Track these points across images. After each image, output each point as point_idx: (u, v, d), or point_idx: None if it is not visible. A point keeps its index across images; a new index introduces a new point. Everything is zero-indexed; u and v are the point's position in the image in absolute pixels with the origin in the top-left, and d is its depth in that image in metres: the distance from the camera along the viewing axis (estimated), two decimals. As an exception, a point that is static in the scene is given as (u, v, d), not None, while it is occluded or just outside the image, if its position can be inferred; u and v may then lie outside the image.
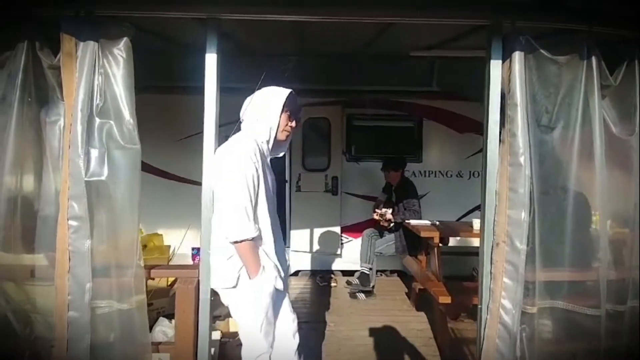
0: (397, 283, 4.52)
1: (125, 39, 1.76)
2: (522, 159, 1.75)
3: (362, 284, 3.84)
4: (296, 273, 4.72)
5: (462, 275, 3.89)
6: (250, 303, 1.75)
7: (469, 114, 4.75)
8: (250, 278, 1.72)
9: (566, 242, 1.79)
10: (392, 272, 4.75)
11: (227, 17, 1.83)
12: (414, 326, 3.33)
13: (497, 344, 1.79)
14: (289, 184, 4.79)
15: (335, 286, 4.33)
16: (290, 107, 1.80)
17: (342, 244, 4.68)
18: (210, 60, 1.83)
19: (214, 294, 1.88)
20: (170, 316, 2.52)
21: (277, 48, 3.83)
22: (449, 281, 3.06)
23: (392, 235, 3.88)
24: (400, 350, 2.91)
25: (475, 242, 3.83)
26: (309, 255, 4.70)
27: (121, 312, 1.76)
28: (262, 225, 1.76)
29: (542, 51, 1.76)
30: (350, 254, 4.65)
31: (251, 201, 1.68)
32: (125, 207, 1.77)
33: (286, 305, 1.93)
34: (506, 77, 1.81)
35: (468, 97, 4.69)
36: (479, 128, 5.00)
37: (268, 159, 1.86)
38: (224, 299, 1.83)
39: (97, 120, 1.75)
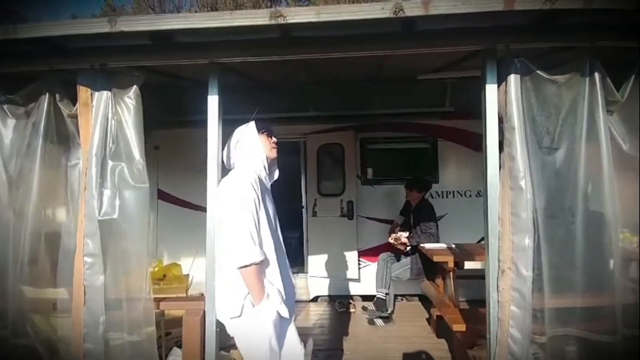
0: (417, 308, 4.39)
1: (134, 87, 1.91)
2: (522, 183, 1.71)
3: (379, 309, 3.76)
4: (315, 299, 4.69)
5: (483, 299, 3.76)
6: (254, 332, 1.76)
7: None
8: (254, 305, 1.74)
9: (579, 266, 1.72)
10: (412, 296, 4.63)
11: (226, 61, 1.95)
12: (434, 354, 3.20)
13: (509, 376, 1.71)
14: (305, 210, 4.84)
15: (354, 312, 4.26)
16: (263, 129, 1.93)
17: (359, 268, 4.63)
18: (213, 101, 1.94)
19: (221, 325, 1.91)
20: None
21: (287, 79, 3.98)
22: (468, 306, 2.96)
23: (409, 259, 3.81)
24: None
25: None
26: (327, 280, 4.66)
27: (132, 344, 1.83)
28: (266, 250, 1.80)
29: (539, 72, 1.75)
30: (369, 278, 4.56)
31: (255, 226, 1.73)
32: (135, 243, 1.87)
33: (292, 333, 1.93)
34: (502, 100, 1.81)
35: (482, 114, 4.65)
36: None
37: (269, 185, 1.95)
38: (230, 329, 1.86)
39: (110, 163, 1.88)
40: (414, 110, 4.70)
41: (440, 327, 3.47)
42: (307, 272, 4.75)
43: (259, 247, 1.72)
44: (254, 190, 1.76)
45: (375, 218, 4.72)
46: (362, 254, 4.63)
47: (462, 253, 3.07)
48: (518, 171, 1.73)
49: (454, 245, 3.35)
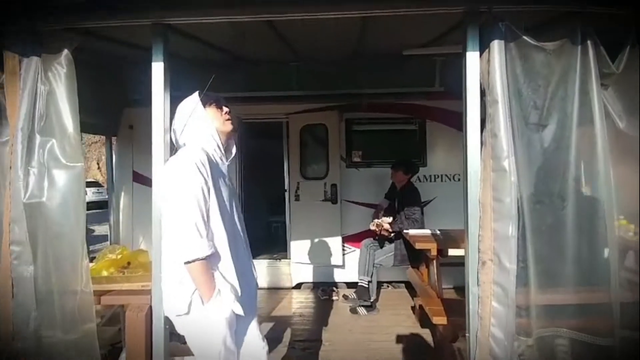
0: (403, 295, 4.25)
1: (65, 51, 1.66)
2: (506, 164, 1.50)
3: (361, 298, 3.61)
4: (298, 286, 4.55)
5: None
6: (205, 331, 1.58)
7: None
8: (203, 303, 1.55)
9: (569, 258, 1.53)
10: (398, 283, 4.49)
11: (174, 22, 1.70)
12: (417, 346, 3.06)
13: (488, 379, 1.54)
14: (287, 194, 4.64)
15: (337, 300, 4.12)
16: (211, 100, 1.68)
17: (344, 254, 4.46)
18: (157, 69, 1.70)
19: (169, 321, 1.72)
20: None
21: (270, 56, 3.71)
22: (455, 293, 2.80)
23: (392, 245, 3.63)
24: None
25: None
26: (311, 267, 4.51)
27: (68, 343, 1.64)
28: (218, 242, 1.59)
29: (525, 38, 1.52)
30: (353, 265, 4.41)
31: (202, 216, 1.51)
32: (69, 230, 1.65)
33: (253, 330, 1.75)
34: (485, 70, 1.58)
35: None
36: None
37: (224, 167, 1.72)
38: (178, 327, 1.67)
39: (39, 138, 1.65)
40: (402, 90, 4.47)
41: (424, 317, 3.32)
42: (289, 258, 4.58)
43: (206, 239, 1.50)
44: (200, 173, 1.52)
45: (361, 202, 4.53)
46: (346, 239, 4.46)
47: (446, 240, 2.89)
48: (501, 150, 1.51)
49: (438, 232, 3.17)
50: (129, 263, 2.94)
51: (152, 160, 1.77)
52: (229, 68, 3.87)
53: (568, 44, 1.51)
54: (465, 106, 1.64)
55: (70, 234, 1.65)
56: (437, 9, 1.67)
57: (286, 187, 4.67)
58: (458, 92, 4.64)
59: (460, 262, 3.36)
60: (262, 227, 5.86)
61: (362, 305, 3.67)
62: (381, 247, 3.69)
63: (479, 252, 1.59)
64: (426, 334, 3.25)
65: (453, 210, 4.24)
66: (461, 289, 3.35)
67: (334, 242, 4.41)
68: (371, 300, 3.64)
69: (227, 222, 1.63)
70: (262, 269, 4.52)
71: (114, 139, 4.54)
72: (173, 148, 1.75)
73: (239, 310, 1.61)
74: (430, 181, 4.48)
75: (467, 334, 1.64)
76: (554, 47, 1.51)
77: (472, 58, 1.60)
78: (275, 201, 6.09)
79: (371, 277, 3.62)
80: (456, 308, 2.48)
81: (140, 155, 4.52)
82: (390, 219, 3.56)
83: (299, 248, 4.48)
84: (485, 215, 1.57)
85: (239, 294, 1.63)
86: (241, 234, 1.76)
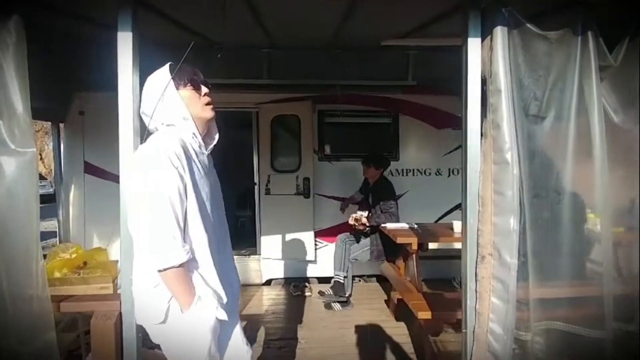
0: (375, 289, 4.23)
1: (15, 17, 1.39)
2: (508, 156, 1.46)
3: (337, 293, 3.53)
4: (269, 282, 4.39)
5: (441, 278, 3.66)
6: (186, 341, 1.39)
7: (446, 109, 4.52)
8: (182, 311, 1.37)
9: (564, 252, 1.52)
10: (370, 277, 4.48)
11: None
12: (394, 339, 3.04)
13: (486, 376, 1.50)
14: (257, 187, 4.45)
15: (309, 295, 4.02)
16: (184, 79, 1.39)
17: (316, 249, 4.36)
18: (124, 40, 1.47)
19: (142, 329, 1.53)
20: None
21: (242, 39, 3.48)
22: (429, 289, 2.80)
23: (368, 240, 3.58)
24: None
25: (456, 245, 3.62)
26: (282, 262, 4.36)
27: (24, 356, 1.39)
28: (197, 244, 1.40)
29: (529, 26, 1.47)
30: (326, 260, 4.33)
31: (177, 219, 1.29)
32: (20, 226, 1.40)
33: (237, 334, 1.58)
34: (487, 58, 1.52)
35: (445, 90, 4.47)
36: (458, 123, 4.78)
37: (204, 156, 1.48)
38: (154, 337, 1.47)
39: (-20, 120, 1.37)
40: (376, 82, 4.41)
41: (399, 310, 3.31)
42: (259, 254, 4.40)
43: (181, 245, 1.29)
44: (175, 168, 1.29)
45: (333, 196, 4.45)
46: (318, 234, 4.36)
47: (425, 234, 2.88)
48: (504, 142, 1.47)
49: (415, 226, 3.16)
50: (85, 263, 2.64)
51: (119, 148, 1.54)
52: (195, 52, 3.61)
53: (569, 34, 1.49)
54: (465, 96, 1.57)
55: (22, 231, 1.39)
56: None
57: (256, 180, 4.48)
58: (430, 87, 4.67)
59: (432, 256, 3.44)
60: (229, 222, 5.60)
61: (337, 301, 3.60)
62: (357, 242, 3.63)
63: (477, 246, 1.55)
64: (401, 327, 3.24)
65: (424, 204, 4.38)
66: (432, 281, 3.40)
67: (307, 237, 4.29)
68: (347, 296, 3.58)
69: (208, 221, 1.43)
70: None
71: (61, 126, 4.10)
72: (145, 132, 1.52)
73: (223, 316, 1.44)
74: (403, 175, 4.49)
75: (464, 330, 1.59)
76: (557, 36, 1.48)
77: (474, 45, 1.53)
78: (243, 195, 5.86)
79: (347, 272, 3.56)
80: (437, 302, 2.47)
81: (92, 144, 4.12)
82: (366, 213, 3.51)
83: (269, 243, 4.32)
84: (485, 209, 1.52)
85: (223, 299, 1.46)
86: (225, 232, 1.59)
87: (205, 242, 1.42)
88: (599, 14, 1.47)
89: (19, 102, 1.42)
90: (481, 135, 1.55)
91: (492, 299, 1.50)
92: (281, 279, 4.40)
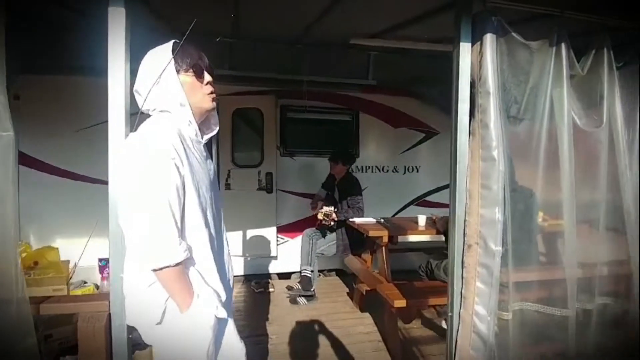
0: (336, 283, 4.33)
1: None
2: (495, 153, 1.60)
3: (304, 288, 3.56)
4: (227, 280, 4.26)
5: (403, 269, 3.85)
6: (184, 343, 1.31)
7: (403, 109, 4.75)
8: (181, 311, 1.29)
9: (534, 241, 1.71)
10: (330, 271, 4.56)
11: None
12: (361, 329, 3.15)
13: (471, 355, 1.63)
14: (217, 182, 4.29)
15: (272, 291, 3.98)
16: (187, 62, 1.28)
17: (277, 245, 4.33)
18: (116, 16, 1.34)
19: (132, 329, 1.42)
20: (76, 349, 1.94)
21: (207, 26, 3.31)
22: (396, 280, 2.93)
23: (334, 234, 3.65)
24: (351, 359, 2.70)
25: (422, 237, 3.83)
26: (242, 259, 4.27)
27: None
28: (196, 239, 1.31)
29: (514, 35, 1.62)
30: (287, 256, 4.34)
31: (173, 215, 1.20)
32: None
33: (231, 332, 1.52)
34: (476, 62, 1.65)
35: (402, 92, 4.70)
36: (413, 123, 5.03)
37: (200, 145, 1.38)
38: (146, 337, 1.37)
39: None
40: (338, 80, 4.50)
41: (364, 301, 3.43)
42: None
43: (178, 241, 1.20)
44: (172, 159, 1.19)
45: (295, 192, 4.45)
46: (280, 229, 4.34)
47: (394, 227, 3.01)
48: (491, 140, 1.60)
49: (382, 220, 3.29)
50: (35, 263, 2.38)
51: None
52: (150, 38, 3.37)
53: (546, 44, 1.67)
54: (455, 97, 1.68)
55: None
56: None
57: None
58: (388, 87, 4.85)
59: (396, 249, 3.60)
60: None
61: (303, 295, 3.62)
62: (323, 237, 3.68)
63: (464, 236, 1.67)
64: (367, 317, 3.37)
65: (382, 200, 4.56)
66: (395, 273, 3.57)
67: (269, 233, 4.25)
68: (313, 290, 3.61)
69: (206, 214, 1.36)
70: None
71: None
72: (137, 120, 1.40)
73: (223, 314, 1.38)
74: (362, 172, 4.63)
75: (449, 314, 1.71)
76: (537, 46, 1.65)
77: (465, 49, 1.65)
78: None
79: (313, 266, 3.59)
80: (408, 290, 2.61)
81: (28, 133, 3.65)
82: (332, 208, 3.57)
83: (229, 240, 4.18)
84: (472, 201, 1.65)
85: (222, 296, 1.40)
86: (220, 224, 1.52)
87: (206, 238, 1.35)
88: (571, 27, 1.67)
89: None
90: (469, 133, 1.67)
91: (477, 283, 1.63)
92: (241, 276, 4.30)
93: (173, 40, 1.27)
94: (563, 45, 1.66)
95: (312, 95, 4.41)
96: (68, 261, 3.14)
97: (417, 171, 4.83)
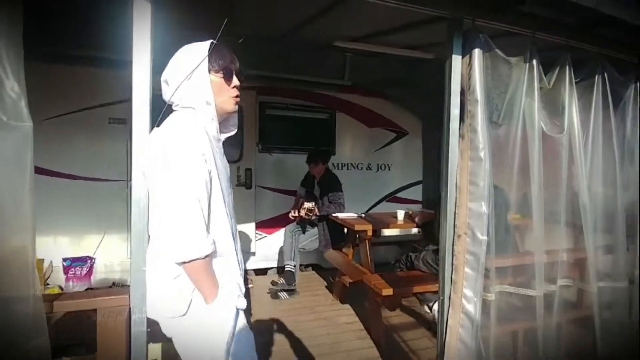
0: (314, 277, 4.47)
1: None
2: (482, 154, 1.82)
3: (288, 282, 3.66)
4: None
5: (377, 262, 4.07)
6: (206, 334, 1.37)
7: (377, 110, 4.98)
8: (207, 302, 1.36)
9: (510, 232, 1.96)
10: (307, 266, 4.69)
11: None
12: (344, 320, 3.31)
13: (460, 333, 1.84)
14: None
15: (252, 287, 4.04)
16: (220, 63, 1.34)
17: (256, 241, 4.39)
18: (142, 11, 1.37)
19: (152, 323, 1.46)
20: (65, 350, 1.89)
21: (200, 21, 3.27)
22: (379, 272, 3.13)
23: (315, 229, 3.79)
24: (338, 348, 2.85)
25: (389, 231, 4.06)
26: (220, 256, 4.27)
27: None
28: (220, 232, 1.39)
29: (497, 51, 1.85)
30: (265, 252, 4.41)
31: (202, 209, 1.27)
32: (13, 212, 1.21)
33: (242, 319, 1.61)
34: (466, 73, 1.85)
35: (376, 93, 4.92)
36: (386, 123, 5.26)
37: (220, 142, 1.46)
38: (167, 329, 1.42)
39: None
40: (317, 79, 4.62)
41: (344, 294, 3.60)
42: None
43: (205, 234, 1.27)
44: (204, 158, 1.27)
45: (274, 188, 4.52)
46: (259, 225, 4.40)
47: (376, 222, 3.20)
48: (479, 142, 1.82)
49: (363, 215, 3.47)
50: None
51: (132, 129, 1.43)
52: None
53: (522, 60, 1.91)
54: (447, 103, 1.88)
55: (15, 218, 1.20)
56: (428, 9, 1.84)
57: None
58: (363, 87, 5.02)
59: (374, 242, 3.80)
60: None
61: (284, 290, 3.72)
62: (304, 232, 3.80)
63: (454, 227, 1.88)
64: (347, 308, 3.54)
65: (357, 196, 4.77)
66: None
67: (247, 229, 4.29)
68: (294, 284, 3.73)
69: (227, 208, 1.45)
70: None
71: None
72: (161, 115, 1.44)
73: (243, 305, 1.47)
74: (338, 169, 4.80)
75: (440, 297, 1.91)
76: (515, 61, 1.89)
77: (456, 61, 1.85)
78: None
79: (296, 261, 3.70)
80: (392, 280, 2.81)
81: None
82: (312, 204, 3.70)
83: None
84: (461, 196, 1.86)
85: (242, 287, 1.49)
86: (234, 216, 1.60)
87: (228, 231, 1.43)
88: (541, 46, 1.92)
89: (8, 69, 1.22)
90: (459, 136, 1.87)
91: (465, 269, 1.85)
92: (219, 272, 4.31)
93: (210, 41, 1.33)
94: (535, 62, 1.92)
95: (291, 93, 4.51)
96: (42, 260, 3.02)
97: (389, 169, 5.09)
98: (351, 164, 4.91)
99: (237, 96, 1.43)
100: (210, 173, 1.32)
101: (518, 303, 1.97)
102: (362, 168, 4.96)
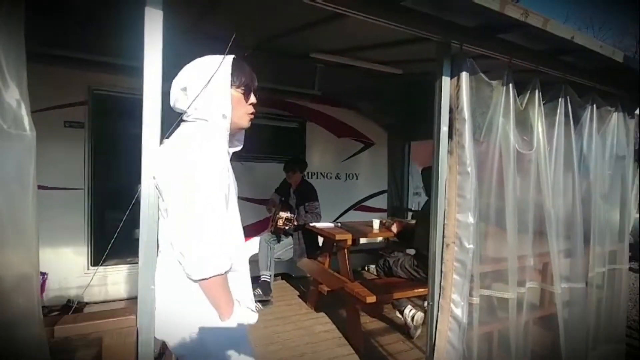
0: (285, 287, 4.45)
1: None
2: (469, 169, 1.97)
3: (264, 293, 3.61)
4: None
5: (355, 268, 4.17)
6: (219, 351, 1.35)
7: (346, 120, 5.12)
8: (222, 319, 1.33)
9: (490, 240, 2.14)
10: (276, 276, 4.65)
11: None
12: (321, 328, 3.35)
13: (449, 336, 1.97)
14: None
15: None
16: (241, 79, 1.36)
17: (226, 251, 4.28)
18: (153, 19, 1.33)
19: (158, 344, 1.40)
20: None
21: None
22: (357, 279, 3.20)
23: (290, 239, 3.79)
24: (319, 357, 2.87)
25: (364, 240, 4.17)
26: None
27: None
28: (234, 245, 1.39)
29: (481, 75, 2.02)
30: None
31: (220, 224, 1.27)
32: (14, 227, 1.11)
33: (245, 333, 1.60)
34: (454, 93, 2.00)
35: (345, 104, 5.06)
36: (354, 134, 5.40)
37: (229, 156, 1.44)
38: (178, 349, 1.37)
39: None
40: (287, 88, 4.65)
41: (319, 302, 3.63)
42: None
43: (224, 249, 1.26)
44: (222, 170, 1.27)
45: (244, 197, 4.44)
46: (229, 235, 4.29)
47: (354, 231, 3.28)
48: (466, 158, 1.96)
49: (340, 224, 3.54)
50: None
51: (142, 139, 1.38)
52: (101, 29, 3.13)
53: (500, 83, 2.11)
54: (437, 121, 2.01)
55: (17, 233, 1.10)
56: (418, 31, 1.96)
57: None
58: (332, 98, 5.13)
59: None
60: (113, 225, 4.86)
61: (258, 300, 3.66)
62: (279, 242, 3.78)
63: (443, 237, 2.00)
64: (323, 316, 3.58)
65: (326, 205, 4.83)
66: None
67: (218, 239, 4.17)
68: (270, 295, 3.69)
69: (239, 222, 1.45)
70: (122, 277, 3.83)
71: None
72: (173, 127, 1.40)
73: (254, 319, 1.47)
74: (308, 177, 4.83)
75: (429, 302, 2.02)
76: (496, 84, 2.08)
77: (446, 83, 1.99)
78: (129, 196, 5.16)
79: (271, 271, 3.67)
80: (372, 288, 2.90)
81: None
82: (289, 213, 3.70)
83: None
84: (450, 208, 1.99)
85: (253, 303, 1.49)
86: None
87: (242, 245, 1.44)
88: (516, 71, 2.13)
89: (9, 75, 1.13)
90: (448, 152, 2.01)
91: (454, 276, 1.98)
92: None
93: (233, 56, 1.33)
94: (511, 85, 2.12)
95: (262, 101, 4.47)
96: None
97: (357, 178, 5.23)
98: (320, 173, 4.98)
99: (252, 113, 1.44)
100: (228, 187, 1.32)
101: (497, 304, 2.14)
102: (331, 177, 5.05)
